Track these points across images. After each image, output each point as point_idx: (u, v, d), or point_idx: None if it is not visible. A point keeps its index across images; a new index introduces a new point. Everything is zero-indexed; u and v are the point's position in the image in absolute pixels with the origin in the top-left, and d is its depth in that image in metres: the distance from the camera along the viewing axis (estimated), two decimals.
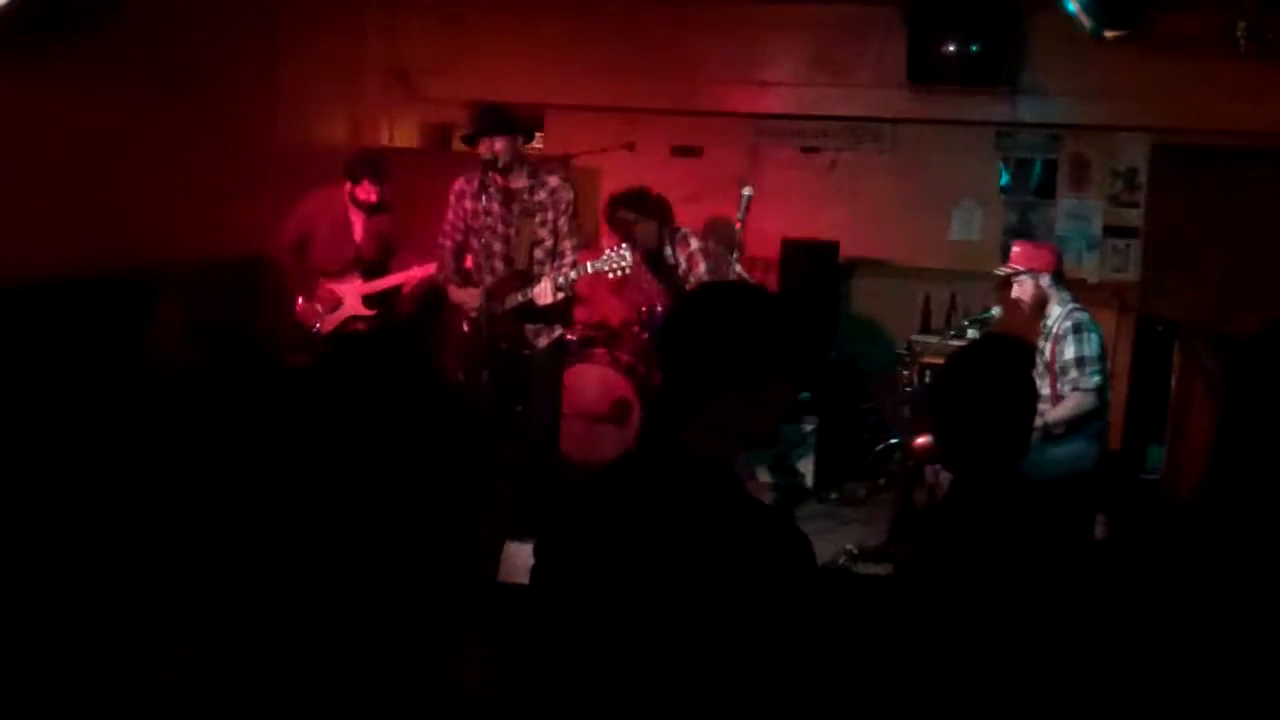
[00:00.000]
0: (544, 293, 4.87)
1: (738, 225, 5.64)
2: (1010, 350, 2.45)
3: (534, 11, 7.13)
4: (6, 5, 3.97)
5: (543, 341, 5.13)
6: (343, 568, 2.17)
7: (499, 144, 4.90)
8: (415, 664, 2.14)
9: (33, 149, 4.42)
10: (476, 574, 4.14)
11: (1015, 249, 4.98)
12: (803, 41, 7.12)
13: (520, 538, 4.67)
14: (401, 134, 7.61)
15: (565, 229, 5.02)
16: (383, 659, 2.13)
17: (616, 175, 7.34)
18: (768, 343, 1.87)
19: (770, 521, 1.84)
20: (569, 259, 5.01)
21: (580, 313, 6.94)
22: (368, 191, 5.72)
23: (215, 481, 2.56)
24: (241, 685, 2.11)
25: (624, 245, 5.02)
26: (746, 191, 5.53)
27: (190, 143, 5.32)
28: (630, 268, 4.97)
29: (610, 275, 4.99)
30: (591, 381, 6.30)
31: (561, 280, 4.88)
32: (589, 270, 4.92)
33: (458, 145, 7.97)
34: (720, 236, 6.43)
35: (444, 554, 2.38)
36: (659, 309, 6.65)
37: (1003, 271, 4.95)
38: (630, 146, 6.89)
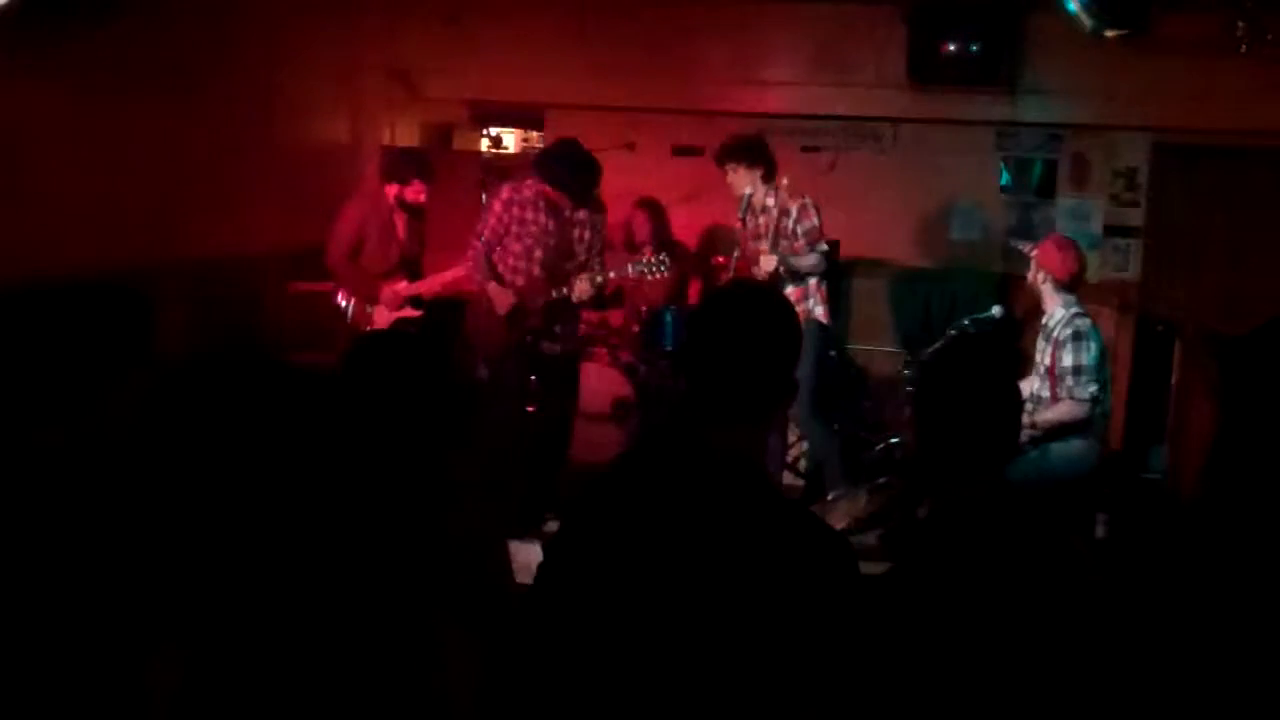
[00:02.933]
0: (583, 289, 5.26)
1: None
2: (989, 355, 2.37)
3: (534, 11, 7.12)
4: (6, 5, 3.96)
5: (562, 345, 5.45)
6: (335, 571, 2.16)
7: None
8: (402, 667, 2.14)
9: (31, 148, 4.41)
10: (478, 575, 4.13)
11: (1047, 239, 5.04)
12: (803, 41, 7.11)
13: (522, 537, 4.67)
14: (402, 134, 7.61)
15: (598, 248, 5.46)
16: (371, 661, 2.12)
17: (617, 175, 7.36)
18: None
19: (811, 526, 1.81)
20: (597, 266, 5.44)
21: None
22: (417, 192, 5.79)
23: (209, 482, 2.55)
24: (234, 686, 2.11)
25: (663, 253, 5.43)
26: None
27: (190, 142, 5.32)
28: (669, 271, 5.43)
29: (650, 278, 5.50)
30: (591, 381, 6.30)
31: (600, 280, 5.32)
32: (630, 272, 5.41)
33: (458, 144, 8.00)
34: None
35: (441, 556, 2.37)
36: (659, 309, 6.65)
37: (1024, 247, 5.05)
38: (631, 146, 6.89)
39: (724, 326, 1.90)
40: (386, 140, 7.42)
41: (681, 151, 7.46)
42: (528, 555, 4.53)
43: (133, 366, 2.35)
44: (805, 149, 7.42)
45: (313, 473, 2.28)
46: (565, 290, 5.28)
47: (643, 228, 6.75)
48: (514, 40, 7.13)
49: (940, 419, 2.25)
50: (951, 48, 6.62)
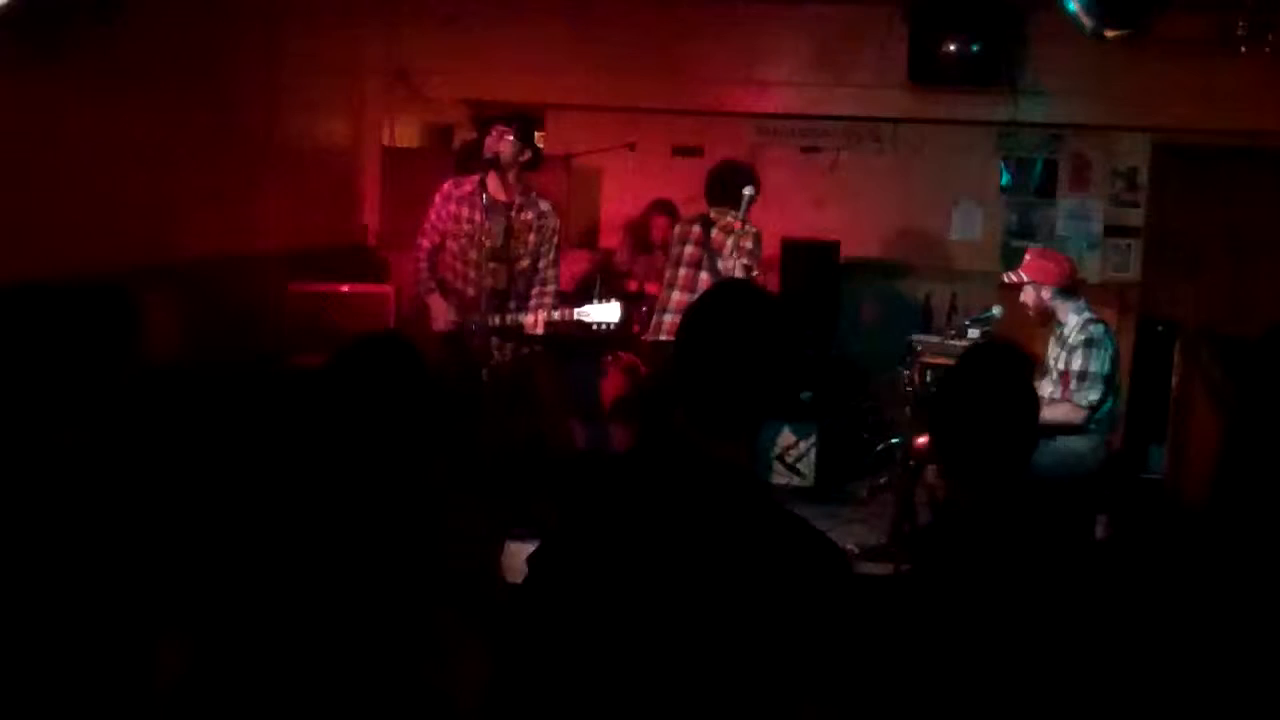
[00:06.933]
0: (536, 324, 4.88)
1: (739, 226, 5.63)
2: (1008, 359, 2.38)
3: (534, 11, 7.13)
4: (6, 5, 3.96)
5: (509, 354, 5.08)
6: (339, 567, 2.17)
7: (507, 141, 4.89)
8: (406, 665, 2.14)
9: (31, 148, 4.41)
10: (476, 576, 4.14)
11: (1026, 256, 4.96)
12: (803, 41, 7.12)
13: (520, 537, 4.66)
14: (402, 134, 7.61)
15: (551, 257, 5.05)
16: (375, 659, 2.13)
17: (617, 175, 7.37)
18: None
19: (805, 533, 1.78)
20: (552, 287, 5.05)
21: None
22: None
23: (214, 478, 2.56)
24: (237, 677, 2.12)
25: (614, 301, 4.93)
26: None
27: (190, 142, 5.31)
28: (615, 325, 4.91)
29: (594, 328, 4.91)
30: (592, 381, 6.31)
31: (558, 316, 4.88)
32: (574, 317, 4.88)
33: (458, 145, 8.00)
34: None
35: (440, 556, 2.38)
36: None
37: (1008, 279, 4.95)
38: (631, 146, 6.90)
39: (712, 331, 1.85)
40: (386, 140, 7.43)
41: (681, 151, 7.46)
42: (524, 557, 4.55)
43: (120, 366, 2.36)
44: (805, 149, 7.43)
45: (313, 468, 2.29)
46: (515, 317, 4.89)
47: (661, 229, 6.76)
48: (514, 40, 7.13)
49: (962, 425, 2.25)
50: (952, 48, 6.63)
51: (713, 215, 5.44)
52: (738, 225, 5.31)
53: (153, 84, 5.03)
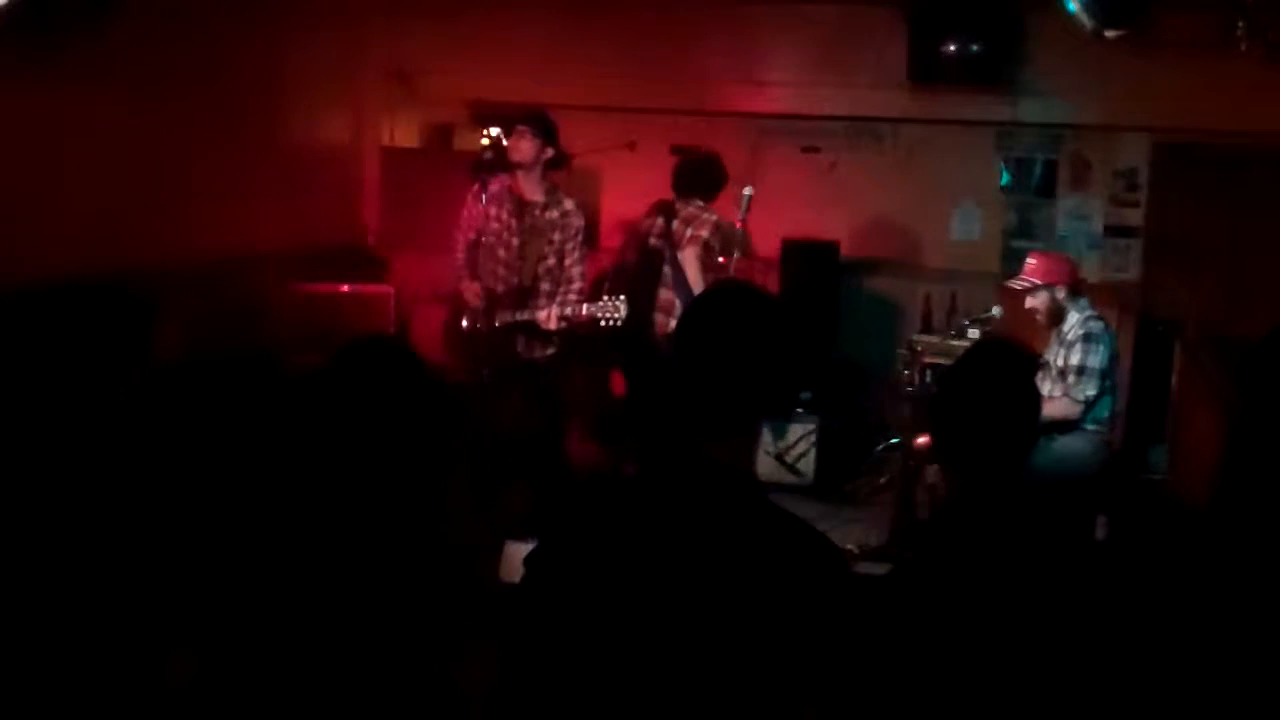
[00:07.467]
0: (549, 319, 4.93)
1: (738, 225, 5.65)
2: (1011, 357, 2.39)
3: (534, 12, 7.12)
4: (6, 5, 3.96)
5: (535, 353, 5.16)
6: (347, 570, 2.17)
7: (526, 141, 4.93)
8: (416, 665, 2.14)
9: (31, 149, 4.41)
10: (480, 576, 4.14)
11: (1030, 260, 4.97)
12: (803, 41, 7.12)
13: (522, 538, 4.67)
14: (401, 134, 7.61)
15: (576, 255, 5.11)
16: (385, 660, 2.13)
17: (617, 175, 7.36)
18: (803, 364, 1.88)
19: (804, 534, 1.78)
20: (577, 285, 5.09)
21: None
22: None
23: (220, 482, 2.56)
24: (246, 680, 2.12)
25: (621, 297, 4.98)
26: (747, 191, 5.53)
27: (190, 143, 5.31)
28: (622, 320, 4.95)
29: (602, 322, 4.95)
30: (591, 382, 6.31)
31: (569, 311, 4.93)
32: (583, 312, 4.95)
33: (458, 145, 8.00)
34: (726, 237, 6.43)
35: (447, 556, 2.38)
36: None
37: (1017, 285, 4.95)
38: (631, 146, 6.89)
39: (710, 331, 1.83)
40: (386, 140, 7.42)
41: (681, 151, 7.45)
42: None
43: (132, 368, 2.36)
44: (805, 149, 7.43)
45: (316, 470, 2.29)
46: (531, 314, 4.99)
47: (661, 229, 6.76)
48: (514, 40, 7.13)
49: (963, 422, 2.25)
50: (952, 48, 6.63)
51: (676, 207, 5.56)
52: (738, 219, 5.38)
53: (153, 84, 5.03)
